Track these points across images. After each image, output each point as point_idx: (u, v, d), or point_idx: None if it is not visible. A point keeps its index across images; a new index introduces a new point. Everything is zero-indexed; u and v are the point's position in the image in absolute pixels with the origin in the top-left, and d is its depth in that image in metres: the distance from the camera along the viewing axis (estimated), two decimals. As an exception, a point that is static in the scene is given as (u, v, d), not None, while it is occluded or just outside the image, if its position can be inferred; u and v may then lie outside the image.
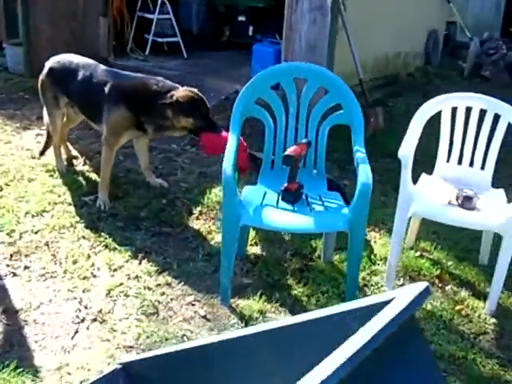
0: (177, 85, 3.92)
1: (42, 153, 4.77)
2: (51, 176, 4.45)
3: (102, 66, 4.28)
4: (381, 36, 6.66)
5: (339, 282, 3.52)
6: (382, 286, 3.54)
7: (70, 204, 4.10)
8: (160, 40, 7.61)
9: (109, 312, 3.11)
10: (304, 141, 3.44)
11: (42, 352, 2.79)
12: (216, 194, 4.30)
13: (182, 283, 3.39)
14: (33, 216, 3.92)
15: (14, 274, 3.36)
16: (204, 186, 4.49)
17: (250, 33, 8.10)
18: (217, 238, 3.80)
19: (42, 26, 6.17)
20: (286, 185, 3.34)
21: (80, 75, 4.23)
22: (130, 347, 2.89)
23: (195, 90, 3.88)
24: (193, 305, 3.24)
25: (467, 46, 8.94)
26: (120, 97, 3.99)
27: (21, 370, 2.62)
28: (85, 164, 4.74)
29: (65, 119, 4.58)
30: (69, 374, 2.64)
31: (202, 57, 7.86)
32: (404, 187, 3.42)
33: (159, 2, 7.42)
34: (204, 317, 3.15)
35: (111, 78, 4.11)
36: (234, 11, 8.21)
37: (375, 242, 3.90)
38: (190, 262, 3.59)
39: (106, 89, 4.05)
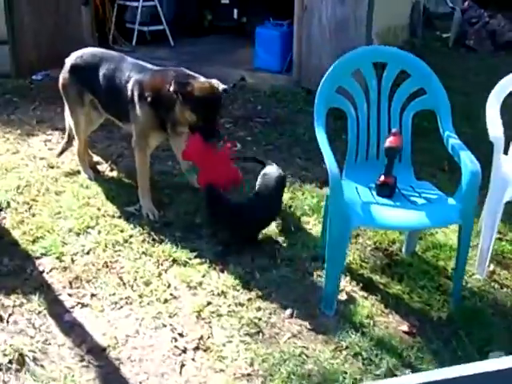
0: (198, 75, 3.55)
1: (61, 153, 4.38)
2: (81, 186, 4.00)
3: (128, 59, 3.88)
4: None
5: (432, 275, 3.28)
6: (473, 274, 3.30)
7: (113, 216, 3.67)
8: (146, 29, 7.05)
9: (208, 337, 2.72)
10: (394, 130, 3.11)
11: (154, 395, 2.38)
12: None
13: (273, 294, 3.04)
14: (77, 234, 3.49)
15: (82, 305, 2.94)
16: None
17: (235, 16, 7.65)
18: (290, 240, 3.44)
19: (26, 20, 5.57)
20: (382, 178, 3.04)
21: (104, 70, 3.85)
22: (249, 375, 2.52)
23: (216, 86, 3.48)
24: (295, 317, 2.88)
25: (444, 17, 8.80)
26: (142, 93, 3.59)
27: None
28: (112, 170, 4.27)
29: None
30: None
31: (189, 44, 7.42)
32: (497, 171, 3.16)
33: (144, -13, 6.87)
34: (313, 330, 2.81)
35: (135, 72, 3.71)
36: (217, -6, 7.72)
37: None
38: (273, 270, 3.23)
39: (130, 85, 3.67)
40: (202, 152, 3.39)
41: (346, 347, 2.69)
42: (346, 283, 3.16)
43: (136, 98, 3.63)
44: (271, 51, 5.90)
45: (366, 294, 3.10)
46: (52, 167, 4.31)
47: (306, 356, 2.67)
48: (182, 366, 2.60)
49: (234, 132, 5.00)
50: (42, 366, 2.52)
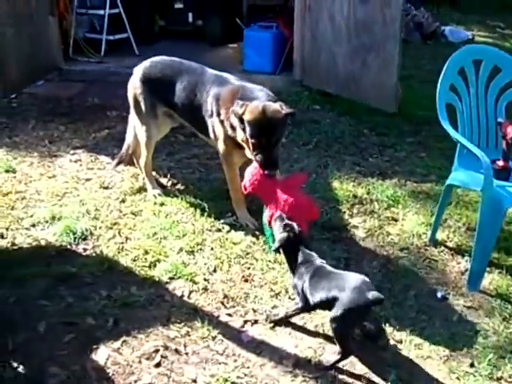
0: (266, 95, 3.37)
1: (118, 165, 4.25)
2: (155, 204, 3.83)
3: (209, 71, 3.75)
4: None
5: None
6: None
7: (215, 230, 3.58)
8: (112, 38, 6.77)
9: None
10: (503, 120, 3.31)
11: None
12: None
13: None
14: (191, 252, 3.42)
15: (252, 322, 2.87)
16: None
17: (191, 19, 7.55)
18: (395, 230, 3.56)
19: (8, 35, 5.17)
20: (501, 163, 3.22)
21: (183, 81, 3.64)
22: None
23: (274, 109, 3.20)
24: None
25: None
26: (218, 110, 3.48)
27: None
28: (173, 183, 4.14)
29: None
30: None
31: (152, 50, 7.17)
32: None
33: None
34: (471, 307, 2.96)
35: (215, 85, 3.59)
36: (169, -2, 7.57)
37: None
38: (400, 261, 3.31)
39: (209, 99, 3.56)
40: (262, 184, 3.18)
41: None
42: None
43: (212, 113, 3.53)
44: (262, 53, 5.93)
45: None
46: (106, 188, 4.12)
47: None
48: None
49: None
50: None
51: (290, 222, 2.85)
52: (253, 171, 3.20)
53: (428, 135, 5.10)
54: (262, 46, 5.95)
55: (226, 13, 7.33)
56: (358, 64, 5.02)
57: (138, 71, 3.75)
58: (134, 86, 3.77)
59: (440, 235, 3.59)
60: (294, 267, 2.76)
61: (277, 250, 2.83)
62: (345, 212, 3.84)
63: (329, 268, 2.72)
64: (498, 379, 2.58)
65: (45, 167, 4.40)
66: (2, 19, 4.99)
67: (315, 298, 2.58)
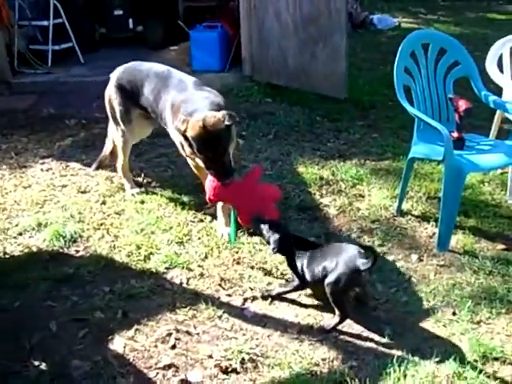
0: (205, 104, 3.29)
1: (98, 168, 4.45)
2: (135, 202, 4.03)
3: (173, 75, 3.77)
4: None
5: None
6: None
7: (198, 221, 3.83)
8: (57, 47, 6.84)
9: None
10: (452, 96, 3.67)
11: None
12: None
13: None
14: (180, 243, 3.61)
15: (251, 299, 3.11)
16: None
17: (131, 25, 7.70)
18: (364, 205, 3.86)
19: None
20: (456, 135, 3.57)
21: (150, 84, 3.82)
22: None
23: (214, 120, 3.13)
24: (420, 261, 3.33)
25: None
26: (172, 120, 3.53)
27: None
28: (149, 183, 4.34)
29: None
30: None
31: (97, 59, 7.31)
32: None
33: (52, 5, 6.67)
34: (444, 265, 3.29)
35: (171, 92, 3.62)
36: (108, 6, 7.68)
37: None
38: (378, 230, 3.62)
39: (167, 107, 3.61)
40: (223, 192, 3.24)
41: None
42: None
43: (170, 124, 3.55)
44: (210, 52, 6.16)
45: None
46: (84, 192, 4.27)
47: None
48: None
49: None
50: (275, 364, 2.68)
51: (274, 222, 3.08)
52: (211, 184, 3.23)
53: (376, 118, 5.46)
54: (209, 46, 6.18)
55: (164, 17, 7.50)
56: (306, 56, 5.32)
57: (113, 78, 3.91)
58: (109, 93, 3.93)
59: (405, 206, 3.92)
60: (293, 258, 3.00)
61: (275, 252, 3.02)
62: (315, 193, 4.11)
63: (323, 245, 3.03)
64: (478, 322, 2.90)
65: (17, 178, 4.48)
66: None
67: (314, 272, 2.84)
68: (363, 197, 4.05)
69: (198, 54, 6.22)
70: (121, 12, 7.62)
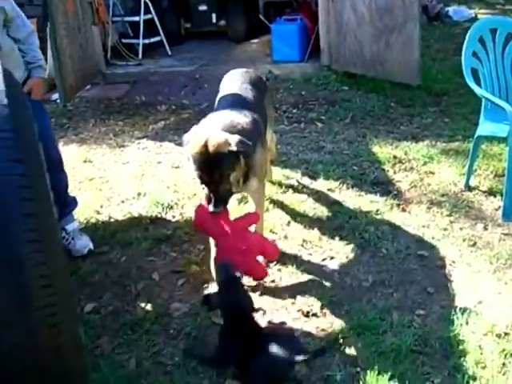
0: (224, 123, 2.93)
1: None
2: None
3: (237, 87, 3.48)
4: None
5: None
6: None
7: (284, 192, 4.15)
8: (147, 41, 7.42)
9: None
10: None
11: None
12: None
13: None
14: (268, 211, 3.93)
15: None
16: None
17: (214, 20, 8.18)
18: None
19: (64, 44, 5.79)
20: (524, 114, 3.78)
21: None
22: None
23: (218, 144, 2.78)
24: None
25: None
26: None
27: None
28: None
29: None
30: None
31: (183, 51, 7.84)
32: None
33: (142, 2, 7.24)
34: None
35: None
36: (193, 2, 8.20)
37: None
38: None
39: None
40: (209, 219, 2.93)
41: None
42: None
43: None
44: (290, 44, 6.55)
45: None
46: (177, 167, 4.75)
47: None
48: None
49: (304, 115, 5.60)
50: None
51: (230, 283, 2.68)
52: (200, 207, 3.03)
53: (448, 104, 5.71)
54: (290, 37, 6.57)
55: (246, 11, 7.95)
56: (381, 45, 5.63)
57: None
58: None
59: (473, 182, 4.18)
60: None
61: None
62: (388, 170, 4.44)
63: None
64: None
65: (117, 155, 5.01)
66: (59, 31, 5.58)
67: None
68: (433, 174, 4.34)
69: (279, 46, 6.63)
70: (205, 7, 8.10)
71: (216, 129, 2.85)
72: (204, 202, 2.92)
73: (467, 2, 10.95)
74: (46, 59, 4.50)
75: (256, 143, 2.97)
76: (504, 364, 2.64)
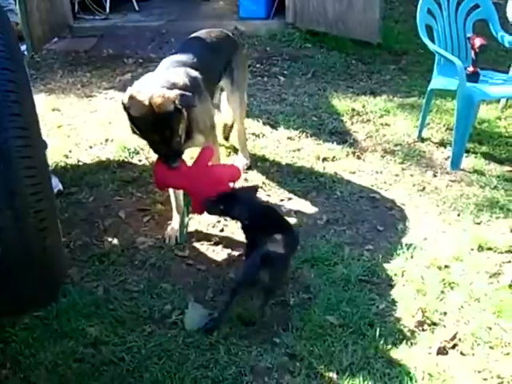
0: (162, 81, 2.93)
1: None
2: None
3: (189, 46, 3.59)
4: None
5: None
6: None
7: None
8: (112, -5, 7.45)
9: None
10: (470, 35, 4.14)
11: None
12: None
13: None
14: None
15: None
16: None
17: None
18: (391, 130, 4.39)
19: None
20: (471, 69, 4.06)
21: None
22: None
23: (162, 101, 2.74)
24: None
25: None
26: None
27: None
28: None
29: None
30: None
31: (151, 7, 7.89)
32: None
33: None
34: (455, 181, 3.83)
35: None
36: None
37: None
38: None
39: None
40: (172, 176, 2.99)
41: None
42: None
43: None
44: (256, 1, 6.68)
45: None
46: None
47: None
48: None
49: (268, 69, 5.79)
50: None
51: (226, 195, 2.90)
52: (158, 168, 3.04)
53: (407, 63, 5.94)
54: (256, -5, 6.69)
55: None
56: (344, 4, 5.82)
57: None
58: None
59: (425, 134, 4.43)
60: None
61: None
62: (346, 122, 4.66)
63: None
64: (478, 223, 3.43)
65: (84, 105, 5.13)
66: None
67: None
68: (389, 125, 4.58)
69: (246, 3, 6.74)
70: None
71: (155, 88, 2.80)
72: (159, 162, 3.00)
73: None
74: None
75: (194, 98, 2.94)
76: (443, 292, 2.89)
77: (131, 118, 2.82)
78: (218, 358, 2.51)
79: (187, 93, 2.82)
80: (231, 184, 3.01)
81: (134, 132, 2.90)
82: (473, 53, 4.03)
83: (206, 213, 3.02)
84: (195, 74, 3.17)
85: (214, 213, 2.98)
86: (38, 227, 1.86)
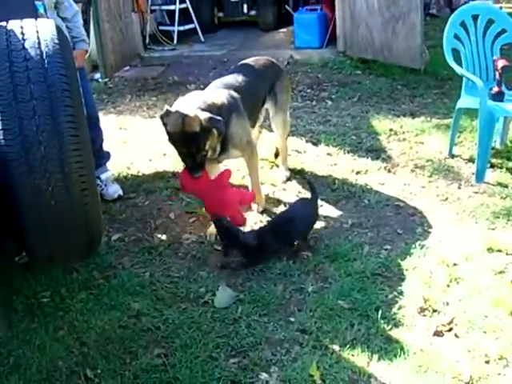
0: (205, 104, 3.45)
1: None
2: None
3: (237, 71, 4.11)
4: None
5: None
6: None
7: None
8: (182, 28, 8.14)
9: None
10: (496, 57, 4.45)
11: None
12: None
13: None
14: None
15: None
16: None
17: (245, 10, 8.86)
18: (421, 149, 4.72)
19: (106, 27, 6.54)
20: (496, 89, 4.36)
21: None
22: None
23: (193, 121, 3.29)
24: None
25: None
26: None
27: None
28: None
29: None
30: None
31: (215, 38, 8.54)
32: None
33: (180, -8, 7.98)
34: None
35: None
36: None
37: None
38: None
39: None
40: (192, 184, 3.55)
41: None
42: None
43: None
44: (310, 32, 7.21)
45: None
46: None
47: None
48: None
49: (317, 94, 6.24)
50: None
51: (229, 230, 3.44)
52: (183, 174, 3.62)
53: (451, 88, 6.25)
54: (310, 26, 7.23)
55: (275, 2, 8.62)
56: (389, 32, 6.24)
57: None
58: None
59: (457, 151, 4.74)
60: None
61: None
62: (383, 140, 5.03)
63: None
64: (493, 229, 3.72)
65: (148, 124, 5.73)
66: (102, 16, 6.34)
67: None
68: (423, 143, 4.92)
69: (300, 33, 7.29)
70: (237, -1, 8.80)
71: (189, 108, 3.31)
72: (185, 170, 3.57)
73: (495, -3, 11.33)
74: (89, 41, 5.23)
75: (230, 119, 3.53)
76: (448, 285, 3.20)
77: (167, 132, 3.37)
78: (239, 330, 2.90)
79: (216, 117, 3.31)
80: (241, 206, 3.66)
81: (169, 141, 3.43)
82: (497, 74, 4.34)
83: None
84: (236, 95, 3.66)
85: (216, 230, 3.49)
86: (81, 187, 2.47)
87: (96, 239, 2.86)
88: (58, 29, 2.59)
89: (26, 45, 2.44)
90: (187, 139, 3.28)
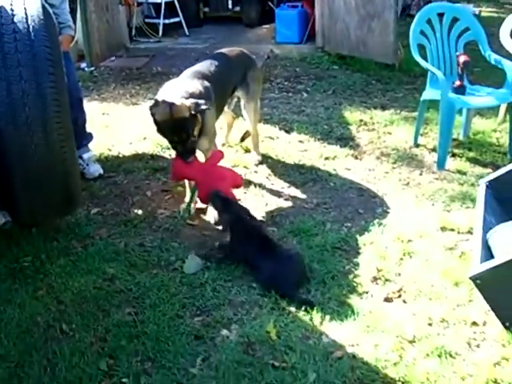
0: (180, 92, 3.59)
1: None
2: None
3: (209, 61, 4.24)
4: None
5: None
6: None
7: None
8: (167, 21, 8.39)
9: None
10: (459, 52, 4.74)
11: None
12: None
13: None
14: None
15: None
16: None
17: (230, 6, 9.13)
18: (391, 139, 4.99)
19: (92, 18, 6.78)
20: (458, 82, 4.64)
21: None
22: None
23: (180, 108, 3.45)
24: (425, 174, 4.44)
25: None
26: None
27: None
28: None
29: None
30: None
31: (200, 33, 8.79)
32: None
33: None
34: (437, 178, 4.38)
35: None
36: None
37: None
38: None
39: None
40: (185, 168, 3.66)
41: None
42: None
43: None
44: (291, 27, 7.49)
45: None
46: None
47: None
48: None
49: (294, 86, 6.52)
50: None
51: (228, 201, 3.51)
52: (175, 162, 3.77)
53: (422, 83, 6.36)
54: (291, 22, 7.50)
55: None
56: (364, 29, 6.53)
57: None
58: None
59: (422, 141, 5.02)
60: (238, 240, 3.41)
61: (223, 230, 3.50)
62: (353, 130, 5.30)
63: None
64: (448, 211, 3.99)
65: (130, 110, 5.96)
66: (89, 6, 6.58)
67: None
68: (391, 134, 5.20)
69: (281, 29, 7.56)
70: (222, -6, 9.06)
71: (175, 97, 3.48)
72: (176, 158, 3.72)
73: (476, 1, 11.66)
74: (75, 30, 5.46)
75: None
76: (401, 259, 3.46)
77: (156, 122, 3.54)
78: (204, 293, 3.15)
79: (200, 101, 3.49)
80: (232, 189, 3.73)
81: (158, 131, 3.63)
82: (459, 68, 4.62)
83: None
84: (208, 85, 3.83)
85: (214, 205, 3.54)
86: (60, 145, 2.80)
87: (74, 195, 3.13)
88: (44, 7, 2.84)
89: (15, 19, 2.75)
90: (176, 127, 3.44)
